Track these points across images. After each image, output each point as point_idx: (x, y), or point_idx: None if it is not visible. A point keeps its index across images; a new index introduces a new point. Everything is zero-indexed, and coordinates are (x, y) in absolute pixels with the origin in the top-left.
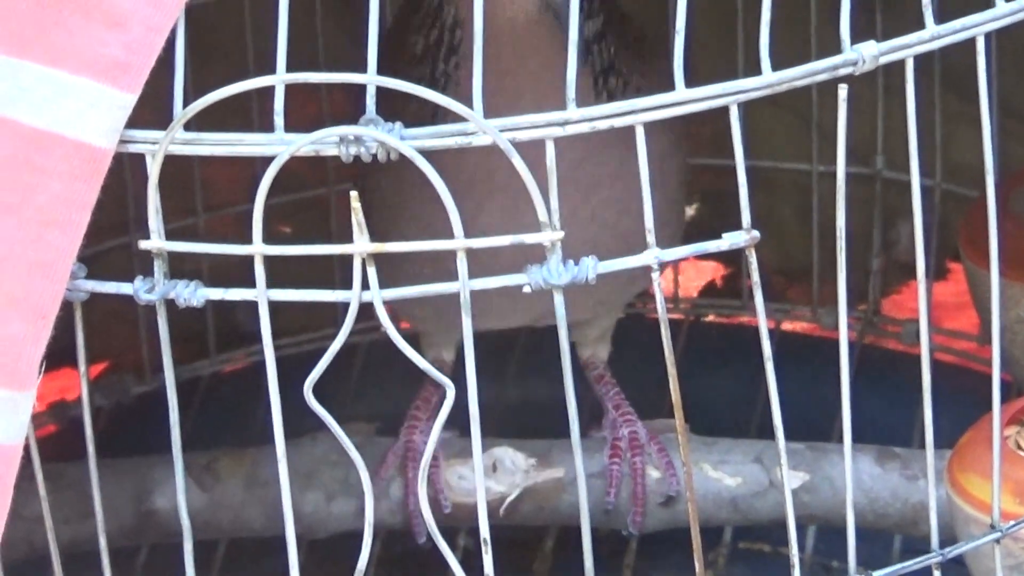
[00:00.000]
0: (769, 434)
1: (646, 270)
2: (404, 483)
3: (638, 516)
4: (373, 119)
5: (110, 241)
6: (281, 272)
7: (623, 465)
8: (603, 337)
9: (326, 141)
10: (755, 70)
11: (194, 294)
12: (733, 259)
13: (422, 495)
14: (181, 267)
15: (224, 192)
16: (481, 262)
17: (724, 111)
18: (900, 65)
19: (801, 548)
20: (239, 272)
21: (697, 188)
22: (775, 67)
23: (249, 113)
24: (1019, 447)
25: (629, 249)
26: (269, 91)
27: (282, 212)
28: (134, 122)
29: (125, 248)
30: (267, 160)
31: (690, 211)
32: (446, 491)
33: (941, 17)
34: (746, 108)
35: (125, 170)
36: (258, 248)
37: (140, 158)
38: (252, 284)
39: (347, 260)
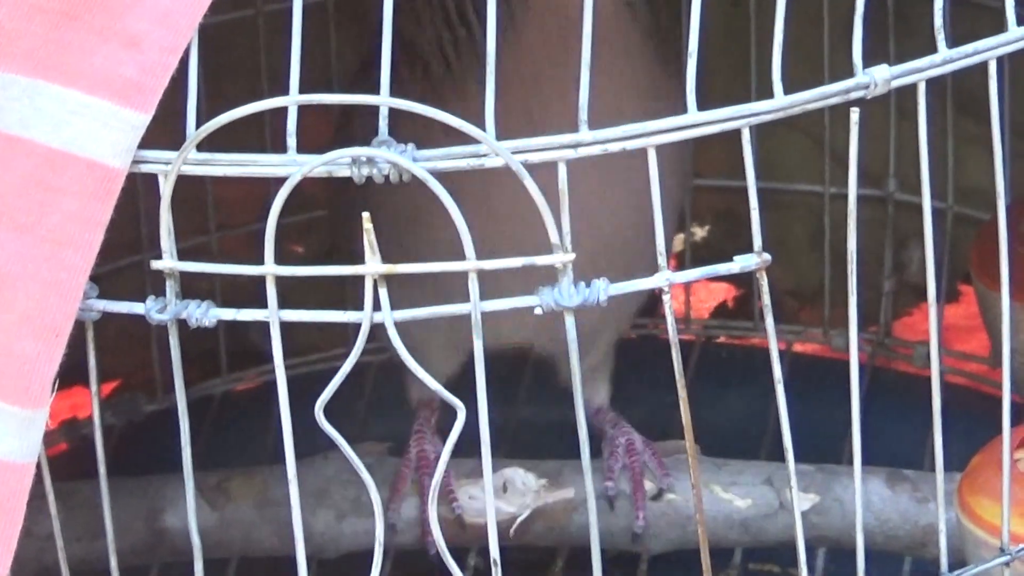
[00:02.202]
0: (779, 456)
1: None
2: (420, 493)
3: (640, 511)
4: (386, 140)
5: (122, 259)
6: (294, 291)
7: (619, 462)
8: (602, 375)
9: (339, 162)
10: (768, 93)
11: (206, 314)
12: (745, 281)
13: (432, 510)
14: (194, 285)
15: (237, 211)
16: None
17: (737, 133)
18: (913, 88)
19: (811, 570)
20: (252, 291)
21: (709, 209)
22: (788, 90)
23: (262, 132)
24: None
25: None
26: (282, 111)
27: (294, 232)
28: (146, 142)
29: (137, 266)
30: (280, 180)
31: (702, 232)
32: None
33: (953, 41)
34: (758, 130)
35: (137, 189)
36: (270, 269)
37: (153, 177)
38: (265, 304)
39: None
